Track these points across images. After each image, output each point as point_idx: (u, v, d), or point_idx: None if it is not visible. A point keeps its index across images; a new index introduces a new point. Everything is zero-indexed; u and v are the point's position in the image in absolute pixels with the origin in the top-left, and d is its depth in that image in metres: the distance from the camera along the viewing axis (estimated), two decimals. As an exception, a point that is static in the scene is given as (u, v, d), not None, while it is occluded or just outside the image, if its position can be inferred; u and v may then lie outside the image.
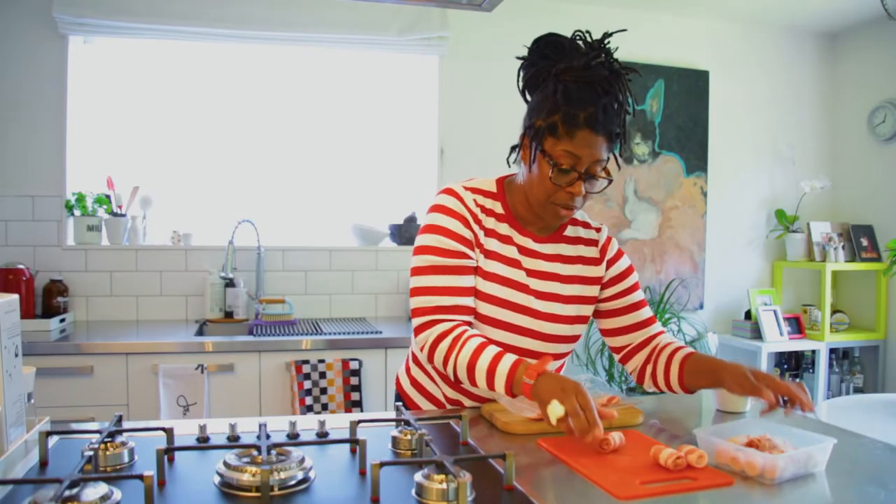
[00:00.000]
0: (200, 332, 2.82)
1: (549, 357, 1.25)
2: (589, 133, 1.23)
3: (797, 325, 3.70)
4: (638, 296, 1.47)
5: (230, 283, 3.01)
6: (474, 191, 1.37)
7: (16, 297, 1.05)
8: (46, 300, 2.83)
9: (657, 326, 1.48)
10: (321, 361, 2.57)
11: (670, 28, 3.66)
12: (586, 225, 1.47)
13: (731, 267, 3.82)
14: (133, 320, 2.99)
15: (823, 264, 3.63)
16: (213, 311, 3.00)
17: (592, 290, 1.43)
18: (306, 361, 2.56)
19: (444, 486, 0.89)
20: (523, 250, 1.37)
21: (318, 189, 3.32)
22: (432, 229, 1.34)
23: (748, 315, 3.70)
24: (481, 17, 3.26)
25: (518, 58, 1.36)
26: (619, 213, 3.59)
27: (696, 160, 3.70)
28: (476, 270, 1.34)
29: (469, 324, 1.32)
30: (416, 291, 1.32)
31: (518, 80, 1.36)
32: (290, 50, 3.23)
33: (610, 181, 1.29)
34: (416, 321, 1.32)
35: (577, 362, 3.48)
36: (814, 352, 3.62)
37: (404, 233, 3.25)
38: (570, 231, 1.44)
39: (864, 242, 3.71)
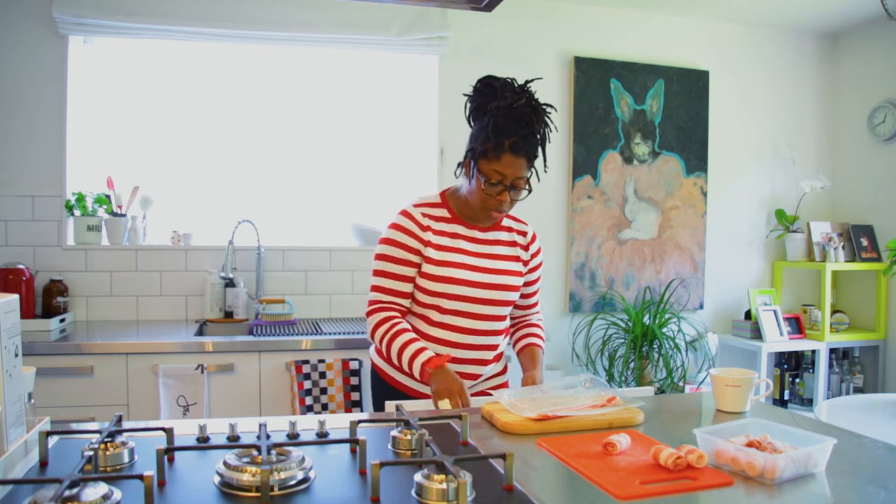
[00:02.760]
0: (200, 332, 2.82)
1: (447, 356, 1.66)
2: (511, 156, 1.62)
3: (797, 325, 3.70)
4: (535, 286, 1.92)
5: (230, 283, 3.01)
6: (422, 205, 1.78)
7: (16, 297, 1.06)
8: (46, 300, 2.83)
9: (534, 310, 1.96)
10: (321, 361, 2.57)
11: (670, 28, 3.66)
12: (517, 220, 1.88)
13: (731, 267, 3.82)
14: (133, 320, 2.99)
15: (823, 264, 3.63)
16: (213, 311, 3.00)
17: (521, 266, 1.84)
18: (306, 361, 2.56)
19: (444, 486, 0.89)
20: (470, 240, 1.77)
21: (318, 189, 3.32)
22: (387, 241, 1.75)
23: (748, 315, 3.70)
24: (481, 17, 3.26)
25: (464, 94, 1.73)
26: (619, 213, 3.58)
27: (696, 160, 3.70)
28: (420, 269, 1.74)
29: (403, 313, 1.77)
30: (372, 287, 1.77)
31: (465, 111, 1.73)
32: (291, 50, 3.22)
33: (530, 191, 1.70)
34: (368, 307, 1.77)
35: (576, 362, 3.48)
36: (814, 352, 3.62)
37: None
38: (505, 223, 1.86)
39: (864, 242, 3.71)
